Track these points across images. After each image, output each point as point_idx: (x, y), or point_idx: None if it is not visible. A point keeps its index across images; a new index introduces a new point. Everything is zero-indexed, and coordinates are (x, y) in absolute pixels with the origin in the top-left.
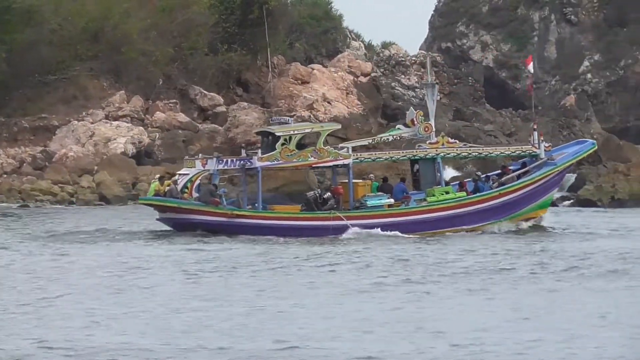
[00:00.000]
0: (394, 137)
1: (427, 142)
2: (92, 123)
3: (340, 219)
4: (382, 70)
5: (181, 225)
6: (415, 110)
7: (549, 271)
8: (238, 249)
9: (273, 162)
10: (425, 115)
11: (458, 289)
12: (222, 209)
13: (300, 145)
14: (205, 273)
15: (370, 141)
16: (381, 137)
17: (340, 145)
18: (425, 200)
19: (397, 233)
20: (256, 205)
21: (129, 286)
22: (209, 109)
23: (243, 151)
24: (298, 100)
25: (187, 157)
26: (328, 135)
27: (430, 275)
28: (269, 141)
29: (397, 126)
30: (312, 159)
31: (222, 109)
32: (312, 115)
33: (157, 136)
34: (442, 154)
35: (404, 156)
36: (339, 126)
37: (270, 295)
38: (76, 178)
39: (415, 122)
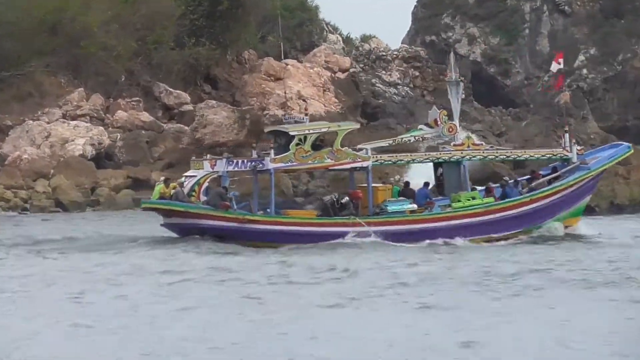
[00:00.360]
0: (416, 138)
1: (452, 143)
2: (48, 123)
3: (359, 225)
4: (361, 65)
5: (188, 230)
6: (439, 109)
7: (559, 282)
8: (237, 257)
9: (287, 164)
10: (449, 115)
11: (458, 301)
12: (232, 213)
13: (316, 146)
14: (194, 283)
15: (391, 142)
16: (402, 138)
17: (359, 146)
18: (449, 206)
19: (420, 241)
20: (268, 210)
21: (107, 298)
22: (174, 108)
23: (254, 152)
24: (271, 97)
25: (194, 157)
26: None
27: (428, 286)
28: (282, 141)
29: (419, 126)
30: (329, 160)
31: (189, 107)
32: (285, 114)
33: (119, 137)
34: (467, 157)
35: (427, 159)
36: (358, 126)
37: (259, 309)
38: (30, 182)
39: (439, 123)
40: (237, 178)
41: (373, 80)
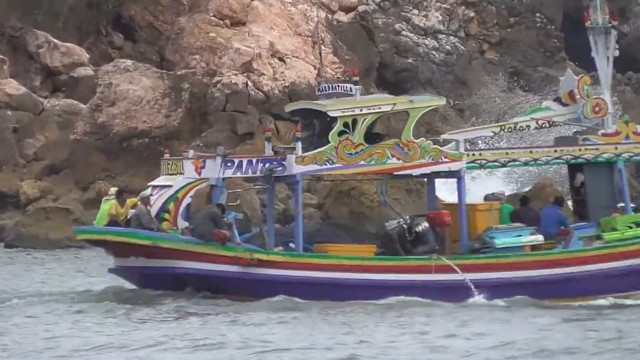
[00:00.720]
0: (539, 123)
1: (599, 132)
2: None
3: (448, 269)
4: (377, 1)
5: (157, 278)
6: (578, 76)
7: None
8: (182, 323)
9: (324, 165)
10: (594, 84)
11: None
12: (233, 249)
13: (372, 136)
14: None
15: (497, 130)
16: (516, 123)
17: (443, 136)
18: (599, 238)
19: (550, 298)
20: (292, 244)
21: None
22: (61, 72)
23: (268, 146)
24: (225, 55)
25: (166, 156)
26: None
27: None
28: (315, 128)
29: (545, 103)
30: (394, 160)
31: (87, 71)
32: (249, 82)
33: None
34: (625, 155)
35: (559, 158)
36: (443, 101)
37: None
38: None
39: (577, 96)
40: (241, 190)
41: (397, 26)
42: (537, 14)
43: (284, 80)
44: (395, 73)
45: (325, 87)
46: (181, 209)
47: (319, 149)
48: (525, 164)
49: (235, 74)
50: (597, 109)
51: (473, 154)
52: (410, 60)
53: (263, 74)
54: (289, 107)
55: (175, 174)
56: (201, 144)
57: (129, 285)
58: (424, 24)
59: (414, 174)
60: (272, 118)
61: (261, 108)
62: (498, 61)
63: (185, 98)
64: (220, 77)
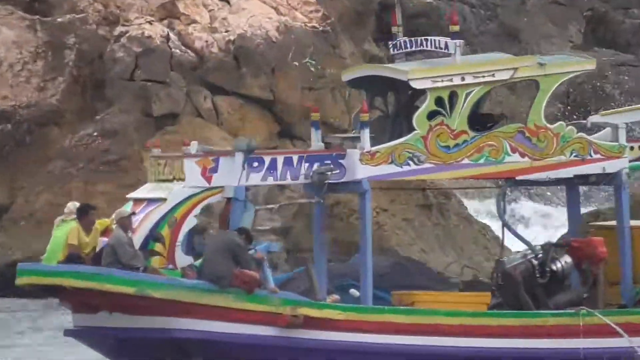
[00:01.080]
0: None
1: None
2: None
3: (605, 331)
4: None
5: (142, 346)
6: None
7: None
8: None
9: (405, 167)
10: None
11: None
12: (265, 300)
13: (479, 119)
14: None
15: None
16: None
17: (592, 119)
18: None
19: None
20: (354, 290)
21: None
22: None
23: (316, 134)
24: None
25: (154, 150)
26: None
27: None
28: (389, 107)
29: None
30: (517, 156)
31: None
32: (172, 35)
33: None
34: None
35: None
36: (593, 65)
37: None
38: None
39: None
40: (275, 207)
41: None
42: None
43: (227, 31)
44: (406, 20)
45: (404, 42)
46: (181, 236)
47: (398, 141)
48: None
49: (150, 22)
50: None
51: None
52: (429, 0)
53: (194, 21)
54: (348, 74)
55: (171, 181)
56: (95, 133)
57: (94, 355)
58: None
59: (547, 178)
60: (209, 92)
61: (191, 76)
62: (568, 1)
63: (70, 60)
64: (126, 26)
